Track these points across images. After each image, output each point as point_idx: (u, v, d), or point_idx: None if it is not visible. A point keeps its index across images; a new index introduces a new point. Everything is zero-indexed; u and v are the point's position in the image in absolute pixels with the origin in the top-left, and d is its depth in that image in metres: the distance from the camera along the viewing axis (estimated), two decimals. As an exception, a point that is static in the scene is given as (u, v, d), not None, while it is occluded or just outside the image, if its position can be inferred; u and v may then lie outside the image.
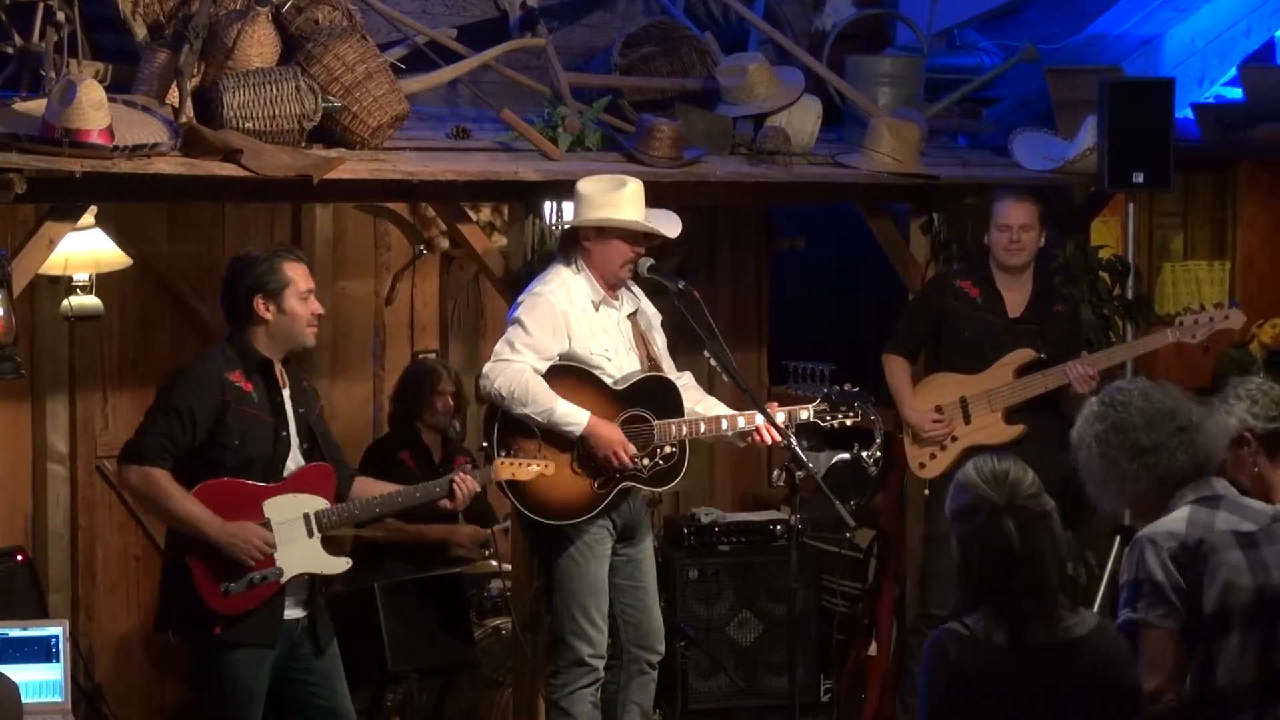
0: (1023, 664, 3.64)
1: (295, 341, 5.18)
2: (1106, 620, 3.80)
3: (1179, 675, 3.81)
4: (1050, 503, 3.74)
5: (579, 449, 5.81)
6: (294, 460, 5.15)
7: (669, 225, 5.94)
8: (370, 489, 5.32)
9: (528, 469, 5.61)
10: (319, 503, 5.14)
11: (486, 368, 5.82)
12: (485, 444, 5.84)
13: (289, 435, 5.13)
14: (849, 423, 5.99)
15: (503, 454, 5.69)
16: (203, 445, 5.02)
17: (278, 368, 5.16)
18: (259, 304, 5.08)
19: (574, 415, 5.75)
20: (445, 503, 5.37)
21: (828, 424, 5.99)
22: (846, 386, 6.09)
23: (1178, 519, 3.86)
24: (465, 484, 5.35)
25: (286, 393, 5.17)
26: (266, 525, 5.05)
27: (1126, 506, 4.03)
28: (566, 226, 5.99)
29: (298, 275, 5.14)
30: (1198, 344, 6.84)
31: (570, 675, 5.90)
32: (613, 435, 5.78)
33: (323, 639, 5.25)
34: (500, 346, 5.82)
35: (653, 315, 6.08)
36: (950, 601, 3.80)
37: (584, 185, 5.87)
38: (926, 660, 3.74)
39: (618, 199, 5.81)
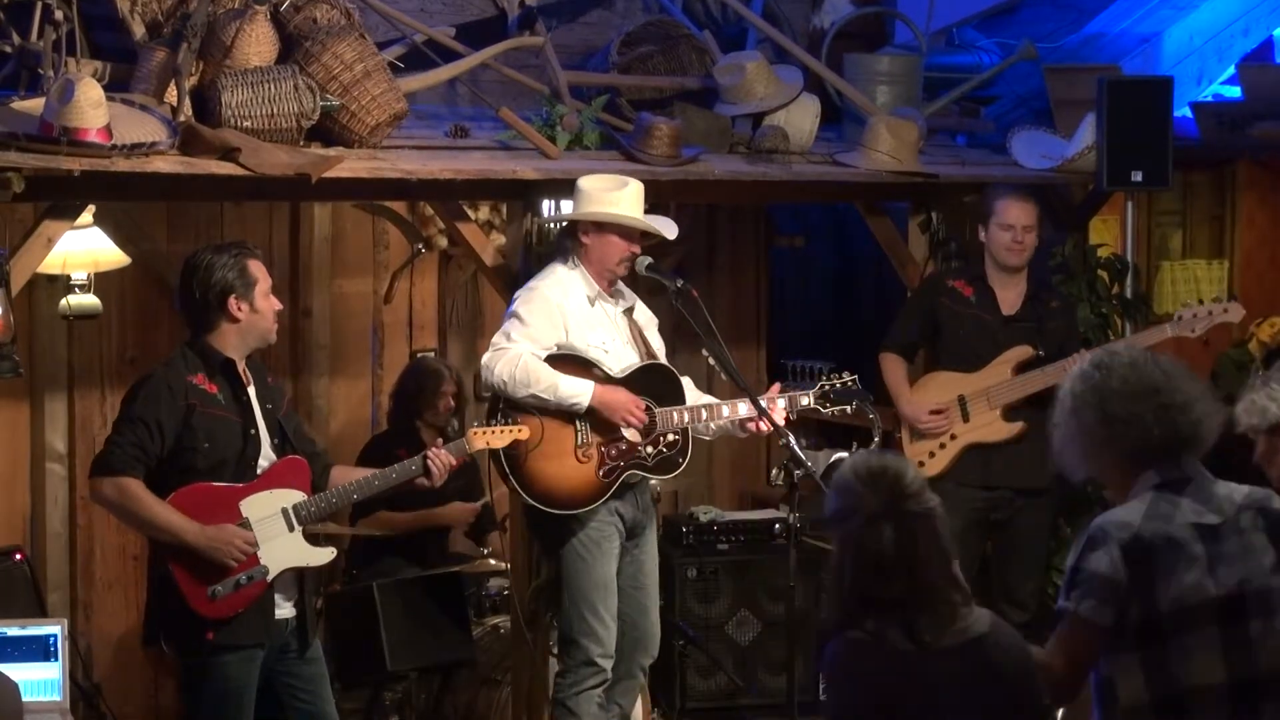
0: (930, 667, 3.51)
1: (263, 339, 5.17)
2: (997, 617, 3.66)
3: (1085, 671, 3.72)
4: (933, 500, 3.58)
5: (582, 434, 5.81)
6: (266, 458, 5.12)
7: (666, 228, 5.96)
8: (348, 476, 5.29)
9: (501, 435, 5.54)
10: (296, 496, 5.12)
11: (485, 358, 5.83)
12: (476, 421, 5.84)
13: (258, 433, 5.11)
14: (849, 410, 5.97)
15: (476, 424, 5.69)
16: (172, 451, 4.99)
17: (240, 366, 5.14)
18: (233, 304, 5.05)
19: (578, 387, 5.74)
20: (422, 480, 5.30)
21: (828, 410, 5.98)
22: (845, 377, 6.06)
23: (1135, 509, 3.72)
24: (439, 459, 5.29)
25: (252, 390, 5.15)
26: (245, 525, 5.02)
27: (1089, 472, 3.89)
28: (564, 221, 6.00)
29: (261, 274, 5.13)
30: (1197, 338, 6.82)
31: (579, 675, 5.89)
32: (621, 397, 5.76)
33: (309, 637, 5.22)
34: (497, 337, 5.84)
35: (649, 319, 6.08)
36: (827, 608, 3.66)
37: (584, 182, 5.89)
38: (832, 673, 3.57)
39: (617, 197, 5.83)
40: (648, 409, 5.84)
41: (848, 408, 5.99)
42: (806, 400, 5.95)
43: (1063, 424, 3.86)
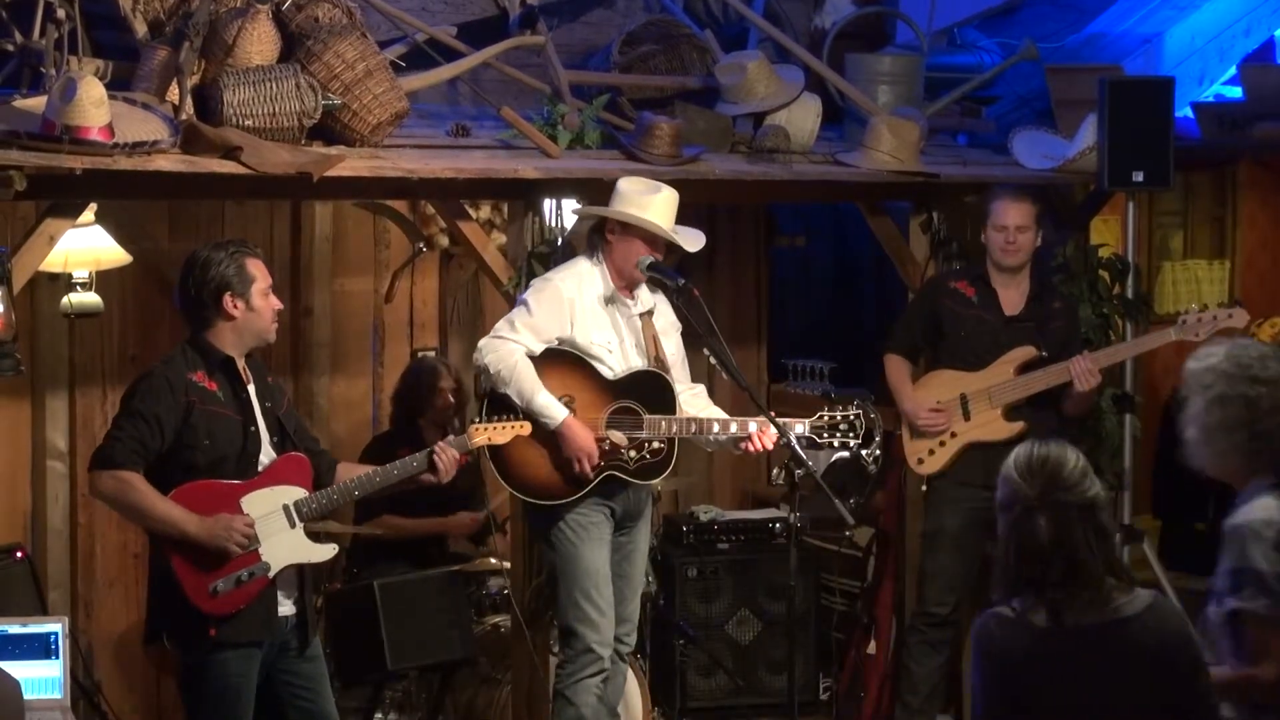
0: (1065, 644, 3.66)
1: (261, 337, 5.17)
2: (1163, 599, 3.76)
3: None
4: (1092, 489, 3.72)
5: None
6: (266, 455, 5.13)
7: (691, 240, 5.97)
8: (352, 474, 5.29)
9: (503, 431, 5.56)
10: (297, 493, 5.12)
11: (483, 341, 5.87)
12: (476, 416, 5.86)
13: (258, 430, 5.12)
14: (852, 443, 5.94)
15: (476, 420, 5.70)
16: (172, 448, 4.99)
17: (240, 364, 5.15)
18: (228, 301, 5.05)
19: (552, 409, 5.76)
20: (428, 476, 5.31)
21: (825, 441, 5.96)
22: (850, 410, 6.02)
23: (1269, 506, 3.88)
24: (444, 454, 5.28)
25: (252, 388, 5.15)
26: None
27: (1211, 471, 4.05)
28: (593, 215, 6.00)
29: (259, 272, 5.13)
30: (1201, 342, 6.82)
31: (578, 664, 5.88)
32: (582, 443, 5.77)
33: (309, 635, 5.23)
34: (501, 324, 5.88)
35: (670, 324, 6.05)
36: (994, 586, 3.83)
37: (623, 182, 5.92)
38: (974, 644, 3.78)
39: (649, 201, 5.84)
40: (634, 415, 5.83)
41: (849, 439, 5.94)
42: (801, 429, 5.91)
43: (1204, 428, 4.00)
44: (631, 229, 5.86)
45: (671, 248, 6.12)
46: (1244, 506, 3.93)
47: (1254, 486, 3.94)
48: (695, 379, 6.18)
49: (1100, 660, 3.66)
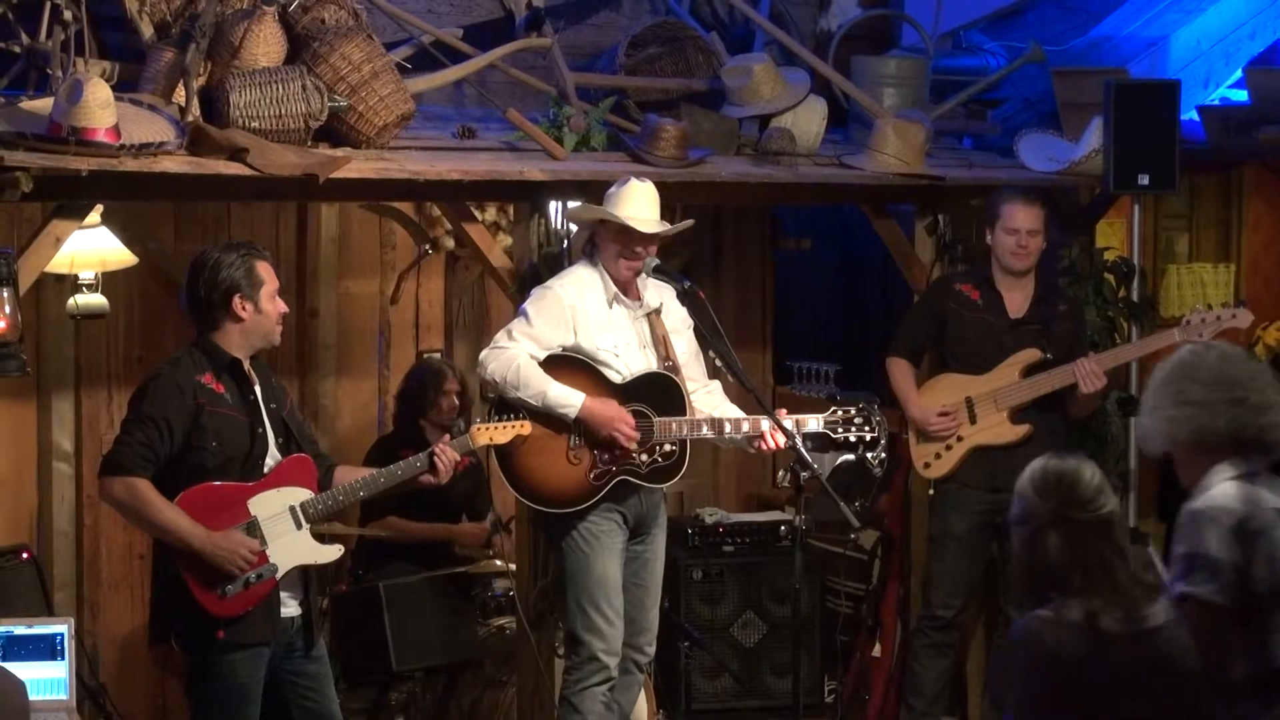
0: (1106, 648, 3.64)
1: (267, 339, 5.17)
2: (1175, 611, 3.76)
3: (1223, 650, 3.84)
4: (1107, 505, 3.69)
5: (575, 436, 5.81)
6: (272, 456, 5.13)
7: (648, 224, 5.80)
8: (352, 476, 5.29)
9: (504, 431, 5.56)
10: (303, 494, 5.13)
11: (483, 354, 5.85)
12: (479, 419, 5.85)
13: (265, 432, 5.13)
14: (868, 437, 5.93)
15: (479, 420, 5.70)
16: (181, 450, 5.00)
17: (246, 366, 5.15)
18: (238, 303, 5.06)
19: (568, 396, 5.73)
20: (427, 477, 5.30)
21: (840, 435, 5.95)
22: (859, 408, 6.02)
23: (1229, 494, 3.88)
24: (445, 455, 5.28)
25: (258, 390, 5.17)
26: (254, 523, 5.03)
27: (1163, 447, 4.05)
28: (578, 214, 6.03)
29: (268, 274, 5.14)
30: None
31: (584, 671, 5.86)
32: (611, 412, 5.73)
33: (314, 636, 5.23)
34: (499, 335, 5.86)
35: (680, 321, 6.03)
36: (1013, 597, 3.82)
37: (614, 184, 5.91)
38: (1021, 649, 3.71)
39: (619, 194, 5.82)
40: (644, 418, 5.83)
41: (864, 433, 5.93)
42: (815, 424, 5.90)
43: (1149, 396, 4.04)
44: (606, 224, 5.83)
45: (673, 250, 6.12)
46: (1204, 494, 3.94)
47: (1212, 476, 3.93)
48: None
49: (1138, 668, 3.64)
